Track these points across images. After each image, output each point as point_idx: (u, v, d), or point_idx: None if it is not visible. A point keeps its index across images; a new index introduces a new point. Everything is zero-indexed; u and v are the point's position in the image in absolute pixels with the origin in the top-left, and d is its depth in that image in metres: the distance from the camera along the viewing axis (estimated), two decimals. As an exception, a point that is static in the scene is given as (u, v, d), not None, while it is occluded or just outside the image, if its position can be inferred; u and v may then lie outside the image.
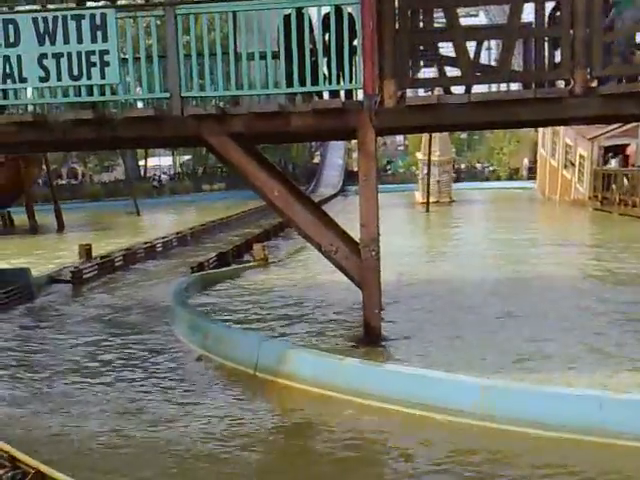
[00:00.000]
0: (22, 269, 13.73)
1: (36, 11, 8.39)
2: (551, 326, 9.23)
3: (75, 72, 8.14)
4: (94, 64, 8.11)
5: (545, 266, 14.49)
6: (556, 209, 32.06)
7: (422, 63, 8.61)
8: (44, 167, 31.86)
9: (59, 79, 8.20)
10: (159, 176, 57.64)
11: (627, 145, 29.28)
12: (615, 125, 26.53)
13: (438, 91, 8.76)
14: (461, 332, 9.10)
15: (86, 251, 16.82)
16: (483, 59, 8.68)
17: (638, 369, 7.29)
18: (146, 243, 19.69)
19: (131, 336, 9.74)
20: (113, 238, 23.15)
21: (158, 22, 8.41)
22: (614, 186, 27.56)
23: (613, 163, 29.35)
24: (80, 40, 8.07)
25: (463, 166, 60.35)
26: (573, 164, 32.56)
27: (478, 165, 61.94)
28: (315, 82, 8.15)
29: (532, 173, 47.78)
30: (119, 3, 10.35)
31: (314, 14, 8.22)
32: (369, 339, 8.49)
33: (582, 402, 5.93)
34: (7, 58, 8.15)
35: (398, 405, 6.46)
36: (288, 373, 7.40)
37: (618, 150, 29.49)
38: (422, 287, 12.49)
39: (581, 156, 31.52)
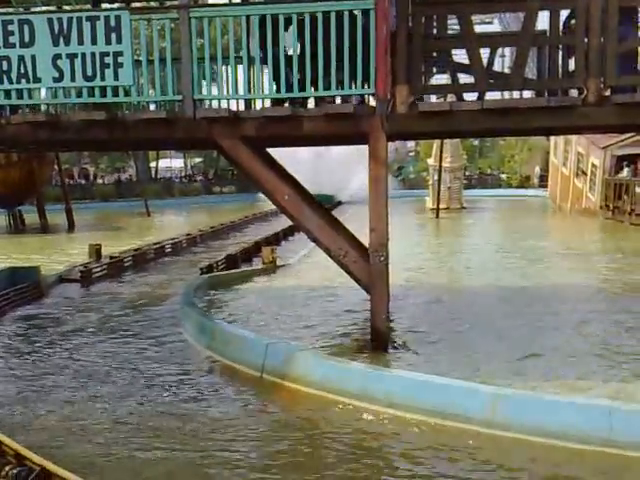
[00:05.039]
0: (32, 268, 13.80)
1: (51, 12, 8.43)
2: (562, 336, 9.20)
3: (89, 73, 8.17)
4: (108, 65, 8.14)
5: (557, 274, 14.43)
6: (567, 218, 31.87)
7: (435, 69, 8.59)
8: (56, 167, 32.02)
9: (73, 80, 8.22)
10: (188, 175, 59.16)
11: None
12: (629, 134, 26.38)
13: (451, 97, 8.74)
14: (470, 341, 9.06)
15: (96, 251, 16.90)
16: (496, 66, 8.65)
17: None
18: (156, 244, 19.76)
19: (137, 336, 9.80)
20: (123, 239, 23.22)
21: (172, 25, 8.45)
22: (626, 196, 27.40)
23: (625, 172, 29.17)
24: (94, 41, 8.10)
25: (474, 173, 60.11)
26: (585, 173, 32.38)
27: (489, 172, 61.71)
28: (327, 86, 8.15)
29: (543, 181, 47.52)
30: (134, 5, 10.38)
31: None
32: (376, 344, 8.45)
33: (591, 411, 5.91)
34: (22, 58, 8.18)
35: (404, 410, 6.45)
36: (295, 376, 7.40)
37: (631, 159, 29.31)
38: (431, 294, 12.43)
39: (593, 165, 31.34)
